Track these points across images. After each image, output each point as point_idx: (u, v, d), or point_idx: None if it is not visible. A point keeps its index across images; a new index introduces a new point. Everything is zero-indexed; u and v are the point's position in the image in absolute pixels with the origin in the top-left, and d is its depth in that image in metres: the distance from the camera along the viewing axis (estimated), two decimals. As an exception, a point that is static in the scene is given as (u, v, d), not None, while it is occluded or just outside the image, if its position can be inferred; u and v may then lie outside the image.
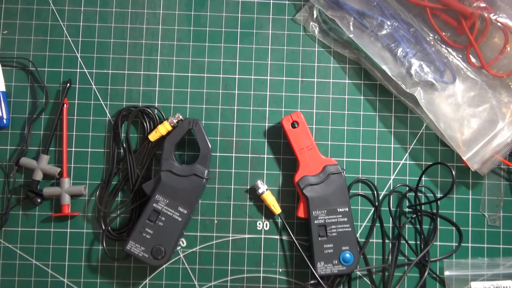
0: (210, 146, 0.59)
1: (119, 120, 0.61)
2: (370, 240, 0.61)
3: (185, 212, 0.58)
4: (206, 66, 0.63)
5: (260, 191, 0.60)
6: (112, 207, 0.61)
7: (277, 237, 0.62)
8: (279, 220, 0.62)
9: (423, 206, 0.61)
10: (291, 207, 0.62)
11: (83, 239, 0.61)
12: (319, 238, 0.58)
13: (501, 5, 0.58)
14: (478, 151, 0.59)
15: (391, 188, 0.62)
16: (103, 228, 0.61)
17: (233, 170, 0.62)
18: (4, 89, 0.62)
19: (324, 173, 0.59)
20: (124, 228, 0.61)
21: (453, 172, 0.58)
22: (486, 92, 0.60)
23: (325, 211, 0.58)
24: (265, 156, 0.62)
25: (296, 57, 0.63)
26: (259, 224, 0.62)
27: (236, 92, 0.63)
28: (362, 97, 0.63)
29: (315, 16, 0.63)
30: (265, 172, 0.62)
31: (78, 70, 0.63)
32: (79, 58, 0.63)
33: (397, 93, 0.62)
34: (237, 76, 0.63)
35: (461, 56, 0.61)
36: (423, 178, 0.62)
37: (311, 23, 0.63)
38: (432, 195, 0.62)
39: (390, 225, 0.62)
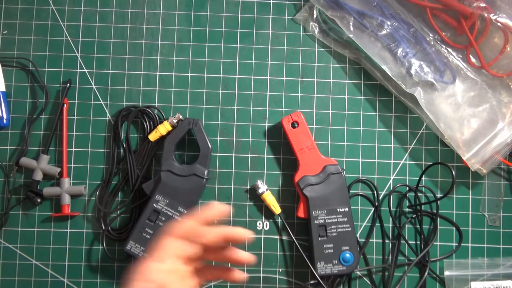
0: (210, 146, 0.59)
1: (119, 120, 0.61)
2: (370, 240, 0.61)
3: (185, 212, 0.58)
4: (206, 66, 0.63)
5: (260, 191, 0.60)
6: (112, 207, 0.61)
7: (277, 237, 0.62)
8: (279, 220, 0.62)
9: (423, 206, 0.61)
10: (291, 207, 0.62)
11: (83, 239, 0.61)
12: (319, 238, 0.58)
13: (501, 5, 0.58)
14: (478, 151, 0.59)
15: (391, 188, 0.62)
16: (103, 228, 0.61)
17: (233, 170, 0.62)
18: (4, 89, 0.62)
19: (324, 173, 0.59)
20: (124, 228, 0.61)
21: (453, 172, 0.58)
22: (486, 92, 0.60)
23: (325, 211, 0.58)
24: (265, 156, 0.62)
25: (296, 57, 0.63)
26: (259, 224, 0.62)
27: (236, 92, 0.63)
28: (362, 97, 0.63)
29: (315, 16, 0.63)
30: (265, 172, 0.62)
31: (78, 70, 0.63)
32: (79, 58, 0.63)
33: (397, 93, 0.62)
34: (237, 76, 0.63)
35: (461, 56, 0.61)
36: (423, 178, 0.62)
37: (311, 23, 0.63)
38: (432, 195, 0.62)
39: (390, 225, 0.62)
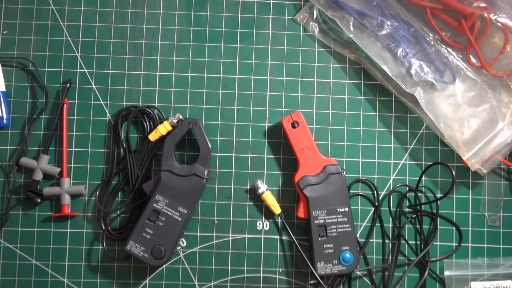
0: (210, 146, 0.59)
1: (119, 120, 0.61)
2: (370, 240, 0.61)
3: (185, 212, 0.58)
4: (206, 66, 0.63)
5: (260, 191, 0.60)
6: (112, 207, 0.61)
7: (277, 237, 0.62)
8: (279, 220, 0.62)
9: (423, 206, 0.61)
10: (291, 207, 0.62)
11: (83, 239, 0.61)
12: (319, 238, 0.58)
13: (501, 5, 0.58)
14: (478, 151, 0.59)
15: (391, 188, 0.62)
16: (103, 228, 0.61)
17: (233, 170, 0.62)
18: (4, 89, 0.62)
19: (324, 173, 0.59)
20: (124, 228, 0.61)
21: (453, 172, 0.58)
22: (486, 92, 0.60)
23: (325, 211, 0.58)
24: (265, 156, 0.62)
25: (296, 57, 0.63)
26: (259, 224, 0.62)
27: (236, 92, 0.63)
28: (362, 97, 0.63)
29: (315, 16, 0.63)
30: (265, 172, 0.62)
31: (78, 70, 0.63)
32: (79, 58, 0.63)
33: (397, 93, 0.62)
34: (237, 76, 0.63)
35: (461, 56, 0.61)
36: (423, 178, 0.62)
37: (311, 23, 0.63)
38: (432, 195, 0.62)
39: (390, 225, 0.62)
